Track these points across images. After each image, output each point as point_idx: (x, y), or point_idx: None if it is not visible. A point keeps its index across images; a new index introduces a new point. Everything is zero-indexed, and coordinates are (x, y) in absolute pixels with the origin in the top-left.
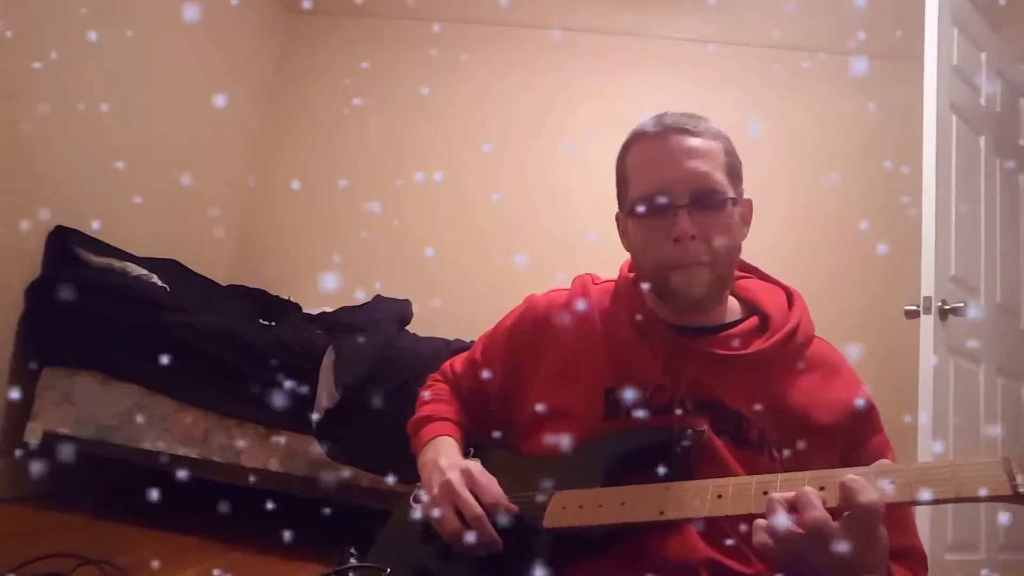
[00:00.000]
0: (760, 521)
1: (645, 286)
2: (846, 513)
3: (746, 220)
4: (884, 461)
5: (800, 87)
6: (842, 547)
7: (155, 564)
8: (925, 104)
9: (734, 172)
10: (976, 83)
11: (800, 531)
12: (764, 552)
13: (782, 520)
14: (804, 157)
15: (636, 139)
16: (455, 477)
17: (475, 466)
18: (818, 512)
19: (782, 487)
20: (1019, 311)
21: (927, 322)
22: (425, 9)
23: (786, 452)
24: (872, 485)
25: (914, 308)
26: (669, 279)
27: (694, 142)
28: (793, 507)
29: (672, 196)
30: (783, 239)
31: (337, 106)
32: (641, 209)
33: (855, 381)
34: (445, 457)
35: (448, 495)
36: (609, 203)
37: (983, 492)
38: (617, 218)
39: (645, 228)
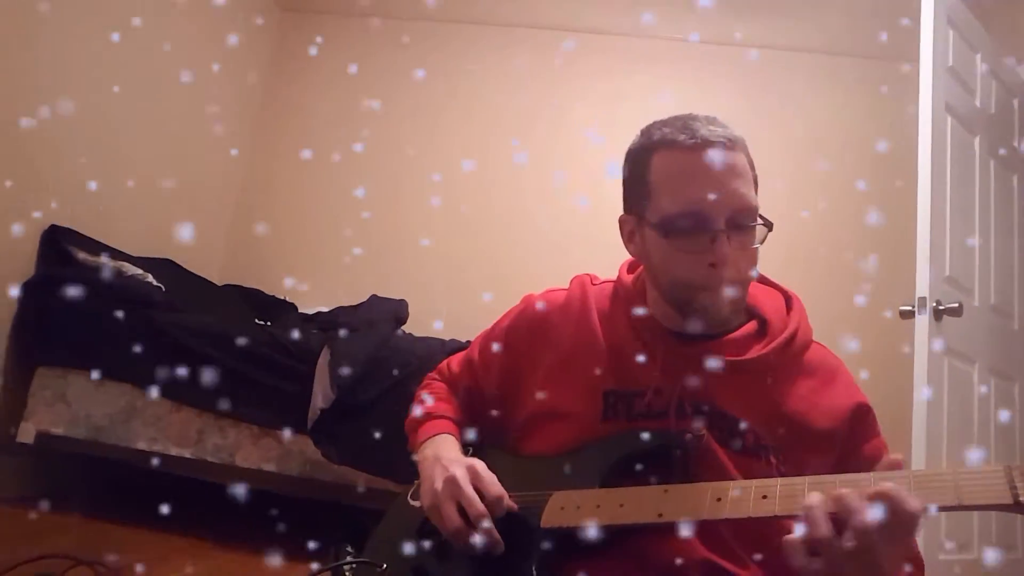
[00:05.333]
0: (792, 539)
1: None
2: (887, 520)
3: None
4: (885, 461)
5: (796, 87)
6: (884, 554)
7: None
8: (920, 105)
9: (757, 183)
10: (971, 84)
11: (849, 545)
12: (805, 572)
13: (825, 530)
14: (799, 158)
15: (664, 147)
16: (460, 473)
17: (480, 463)
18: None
19: (782, 492)
20: (1012, 312)
21: (922, 322)
22: (423, 9)
23: (783, 457)
24: (911, 493)
25: (909, 309)
26: (696, 299)
27: (731, 159)
28: (834, 516)
29: (711, 219)
30: (778, 239)
31: (332, 105)
32: (674, 228)
33: (852, 386)
34: (447, 453)
35: (452, 491)
36: (609, 204)
37: (984, 501)
38: (622, 221)
39: (676, 248)
